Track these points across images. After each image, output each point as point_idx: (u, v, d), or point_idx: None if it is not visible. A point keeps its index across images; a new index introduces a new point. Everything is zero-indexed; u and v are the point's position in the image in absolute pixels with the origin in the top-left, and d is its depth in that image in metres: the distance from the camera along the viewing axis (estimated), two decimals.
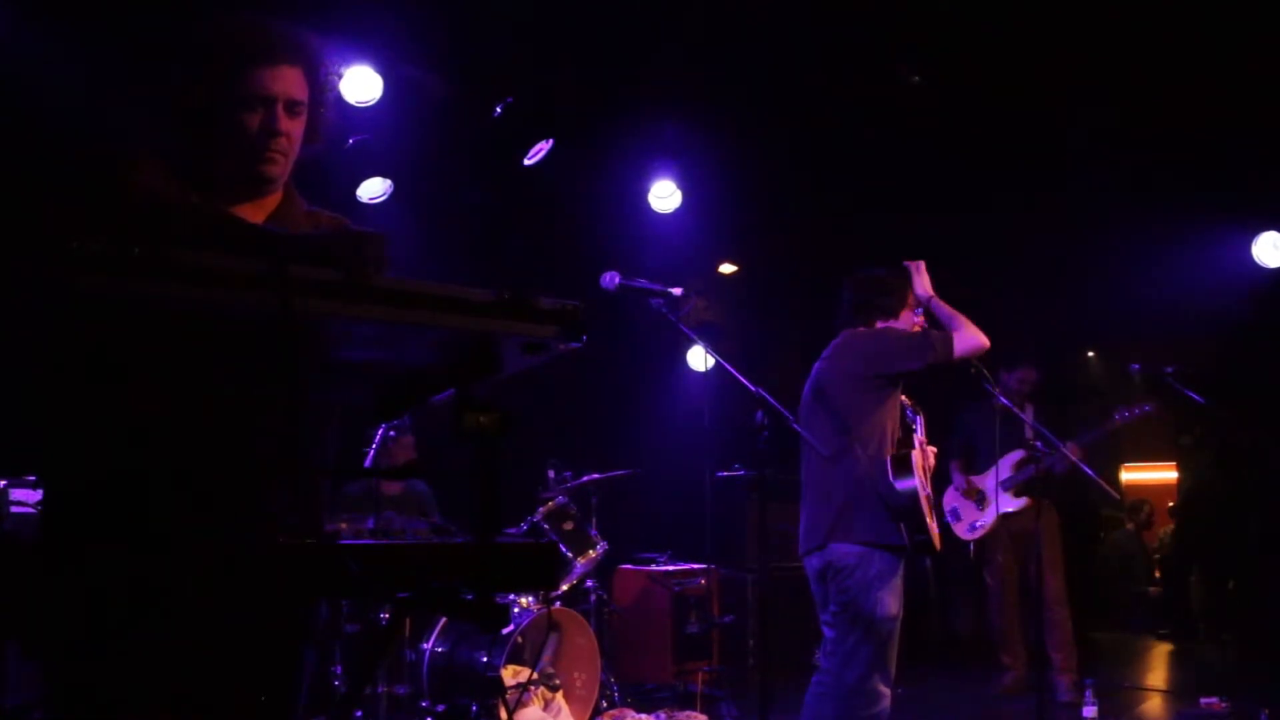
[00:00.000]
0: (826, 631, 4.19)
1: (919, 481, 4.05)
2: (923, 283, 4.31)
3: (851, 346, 4.25)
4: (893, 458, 4.09)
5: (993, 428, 5.82)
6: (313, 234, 2.05)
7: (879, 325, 4.30)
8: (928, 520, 4.09)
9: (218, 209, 2.01)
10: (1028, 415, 6.03)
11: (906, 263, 4.37)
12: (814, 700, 4.10)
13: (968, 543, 6.82)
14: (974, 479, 6.78)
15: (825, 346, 4.41)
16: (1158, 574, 11.03)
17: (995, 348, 4.21)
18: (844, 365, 4.20)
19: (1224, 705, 6.07)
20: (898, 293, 4.35)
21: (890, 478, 4.05)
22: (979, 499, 6.72)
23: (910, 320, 4.36)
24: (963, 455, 6.80)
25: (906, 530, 4.06)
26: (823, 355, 4.36)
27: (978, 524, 6.74)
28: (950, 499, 6.82)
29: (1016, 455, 6.51)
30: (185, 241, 1.44)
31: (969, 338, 4.10)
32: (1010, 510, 6.63)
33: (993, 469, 6.60)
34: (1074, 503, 7.30)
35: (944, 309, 4.25)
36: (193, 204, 1.98)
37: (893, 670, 4.04)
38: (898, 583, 4.03)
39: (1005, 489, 6.63)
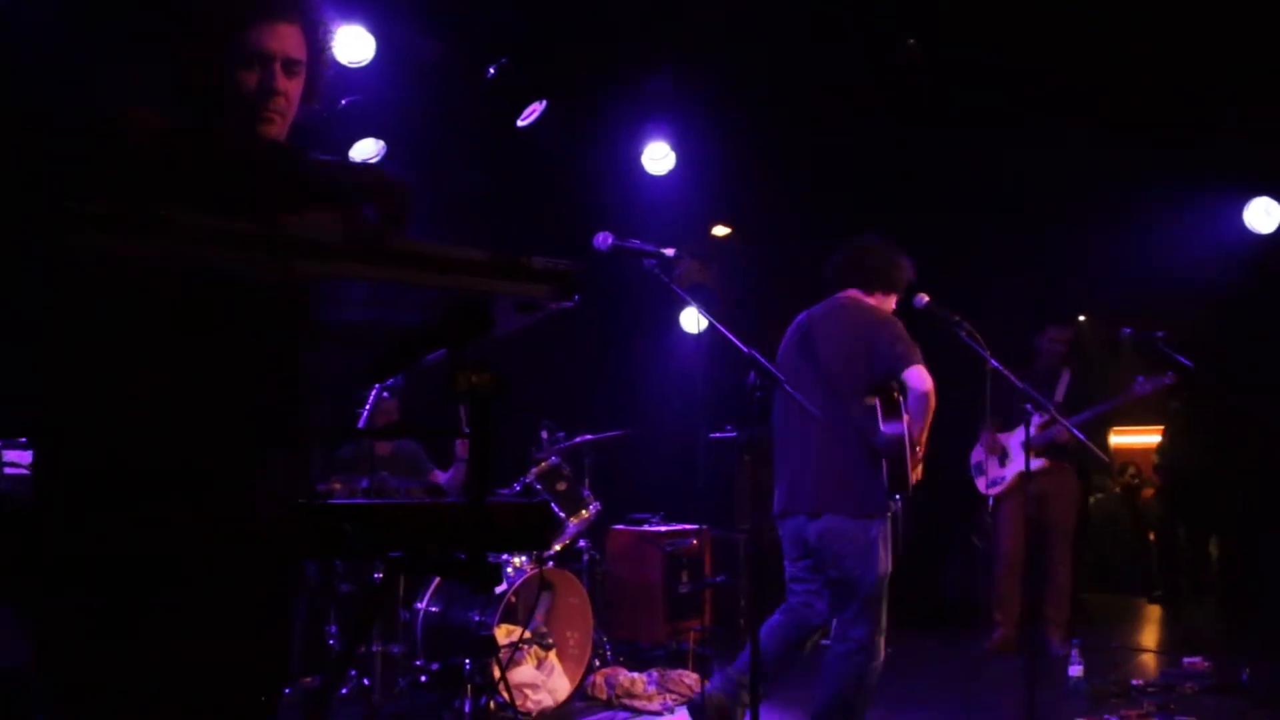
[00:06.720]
0: (793, 586, 4.24)
1: (905, 426, 4.07)
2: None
3: (859, 323, 4.23)
4: (882, 401, 4.12)
5: (1001, 389, 5.78)
6: (337, 160, 1.94)
7: (878, 296, 4.34)
8: (909, 467, 4.10)
9: (242, 132, 1.97)
10: (1024, 382, 6.01)
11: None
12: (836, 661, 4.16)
13: (987, 498, 6.91)
14: (1000, 436, 6.85)
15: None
16: (1152, 536, 11.08)
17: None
18: (848, 335, 4.21)
19: (1207, 664, 6.14)
20: (899, 266, 4.37)
21: (880, 422, 4.10)
22: (1001, 456, 6.81)
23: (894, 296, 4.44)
24: (993, 412, 6.82)
25: (887, 472, 4.09)
26: (821, 311, 4.35)
27: (997, 480, 6.82)
28: (976, 454, 6.96)
29: (1042, 417, 6.54)
30: (207, 169, 1.39)
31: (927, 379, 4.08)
32: (1030, 470, 6.66)
33: (1019, 428, 6.61)
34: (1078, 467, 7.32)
35: None
36: (221, 129, 1.93)
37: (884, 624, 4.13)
38: (887, 536, 4.11)
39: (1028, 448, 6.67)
